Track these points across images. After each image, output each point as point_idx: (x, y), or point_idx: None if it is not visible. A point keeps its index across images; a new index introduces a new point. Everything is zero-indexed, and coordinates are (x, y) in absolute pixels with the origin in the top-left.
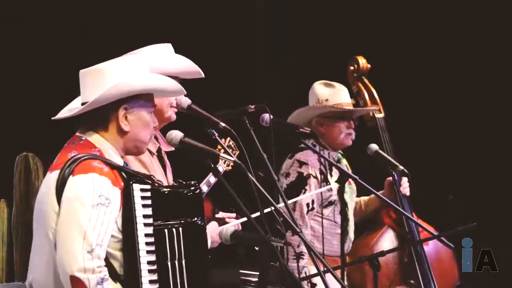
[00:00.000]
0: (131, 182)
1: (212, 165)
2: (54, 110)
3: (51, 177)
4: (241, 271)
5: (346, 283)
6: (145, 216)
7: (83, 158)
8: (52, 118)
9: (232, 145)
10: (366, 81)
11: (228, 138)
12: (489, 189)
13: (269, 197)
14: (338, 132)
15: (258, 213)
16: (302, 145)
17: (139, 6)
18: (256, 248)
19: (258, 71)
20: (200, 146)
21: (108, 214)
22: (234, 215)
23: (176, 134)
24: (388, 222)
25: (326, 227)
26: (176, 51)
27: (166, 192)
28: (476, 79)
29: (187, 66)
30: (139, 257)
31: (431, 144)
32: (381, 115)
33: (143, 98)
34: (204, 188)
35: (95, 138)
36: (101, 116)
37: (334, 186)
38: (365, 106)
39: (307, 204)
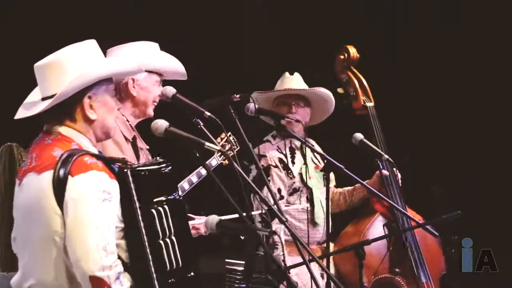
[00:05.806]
0: (125, 170)
1: (198, 155)
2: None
3: (43, 179)
4: (226, 260)
5: (332, 271)
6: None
7: (76, 156)
8: (15, 118)
9: (232, 140)
10: (355, 70)
11: (229, 133)
12: (489, 189)
13: (254, 186)
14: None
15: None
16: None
17: None
18: (242, 238)
19: (245, 60)
20: (185, 135)
21: (112, 208)
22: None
23: (161, 124)
24: (380, 209)
25: (292, 214)
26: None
27: (144, 172)
28: (465, 65)
29: (174, 66)
30: (143, 235)
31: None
32: (371, 103)
33: (105, 83)
34: (194, 179)
35: (67, 131)
36: (66, 107)
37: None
38: (355, 95)
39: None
